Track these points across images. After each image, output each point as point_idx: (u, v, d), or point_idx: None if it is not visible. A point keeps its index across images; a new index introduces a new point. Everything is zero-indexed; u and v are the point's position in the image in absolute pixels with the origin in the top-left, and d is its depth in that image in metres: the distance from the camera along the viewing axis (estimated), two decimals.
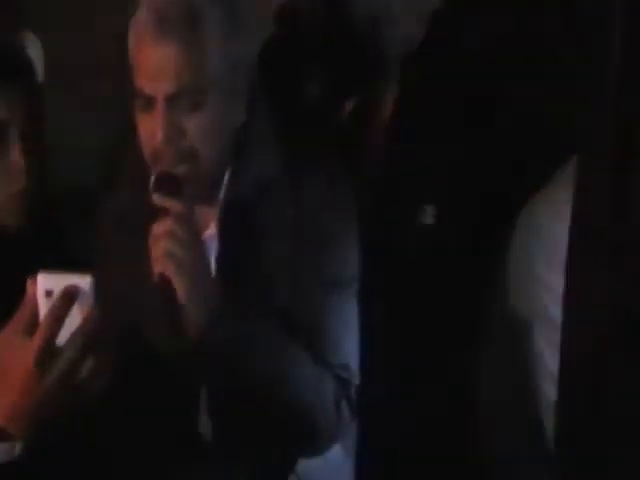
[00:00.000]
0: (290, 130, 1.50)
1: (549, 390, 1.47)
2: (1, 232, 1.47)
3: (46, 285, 1.05)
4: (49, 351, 1.04)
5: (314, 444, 1.46)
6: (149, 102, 1.36)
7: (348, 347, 1.47)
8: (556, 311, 1.52)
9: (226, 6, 1.39)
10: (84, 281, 1.05)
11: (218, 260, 1.43)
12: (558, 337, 1.48)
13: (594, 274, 0.85)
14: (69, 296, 1.05)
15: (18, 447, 1.12)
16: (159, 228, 1.30)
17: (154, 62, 1.34)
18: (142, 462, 1.43)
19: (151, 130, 1.36)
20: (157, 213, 1.31)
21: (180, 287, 1.28)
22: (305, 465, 1.49)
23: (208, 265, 1.37)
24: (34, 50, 1.55)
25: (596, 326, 0.81)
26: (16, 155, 1.43)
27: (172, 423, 1.46)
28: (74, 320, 1.05)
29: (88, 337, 1.05)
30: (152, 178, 1.35)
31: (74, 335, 1.05)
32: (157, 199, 1.31)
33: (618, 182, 0.85)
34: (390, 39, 2.04)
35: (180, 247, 1.28)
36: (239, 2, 1.43)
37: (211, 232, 1.45)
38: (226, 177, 1.44)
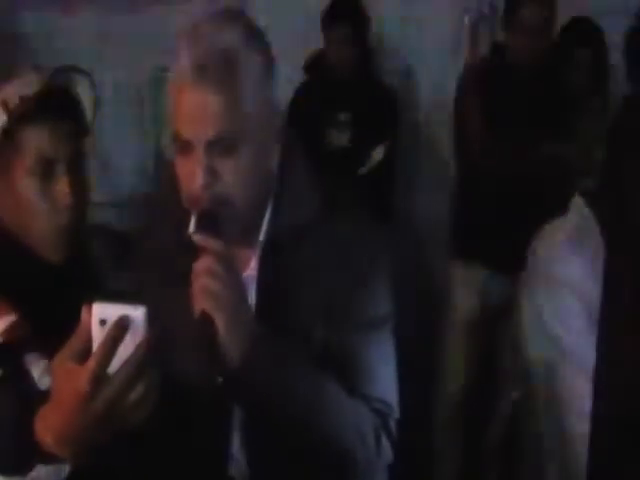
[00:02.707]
0: (322, 177, 1.53)
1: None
2: (43, 266, 1.52)
3: (100, 314, 1.10)
4: (101, 377, 1.08)
5: (355, 478, 1.47)
6: (187, 146, 1.39)
7: (385, 381, 1.50)
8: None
9: (261, 53, 1.42)
10: (136, 312, 1.10)
11: (257, 299, 1.47)
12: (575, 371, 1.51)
13: (627, 328, 0.86)
14: (122, 326, 1.09)
15: (65, 470, 1.17)
16: (199, 266, 1.32)
17: (193, 109, 1.37)
18: None
19: (190, 173, 1.39)
20: (197, 251, 1.33)
21: (219, 323, 1.31)
22: None
23: (247, 302, 1.39)
24: (84, 89, 1.58)
25: (628, 379, 0.82)
26: (63, 190, 1.47)
27: (205, 458, 1.49)
28: (123, 348, 1.09)
29: (139, 365, 1.09)
30: (193, 218, 1.38)
31: (126, 363, 1.09)
32: (198, 238, 1.34)
33: None
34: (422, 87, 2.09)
35: (219, 284, 1.31)
36: (272, 49, 1.46)
37: (251, 272, 1.49)
38: (265, 220, 1.48)
